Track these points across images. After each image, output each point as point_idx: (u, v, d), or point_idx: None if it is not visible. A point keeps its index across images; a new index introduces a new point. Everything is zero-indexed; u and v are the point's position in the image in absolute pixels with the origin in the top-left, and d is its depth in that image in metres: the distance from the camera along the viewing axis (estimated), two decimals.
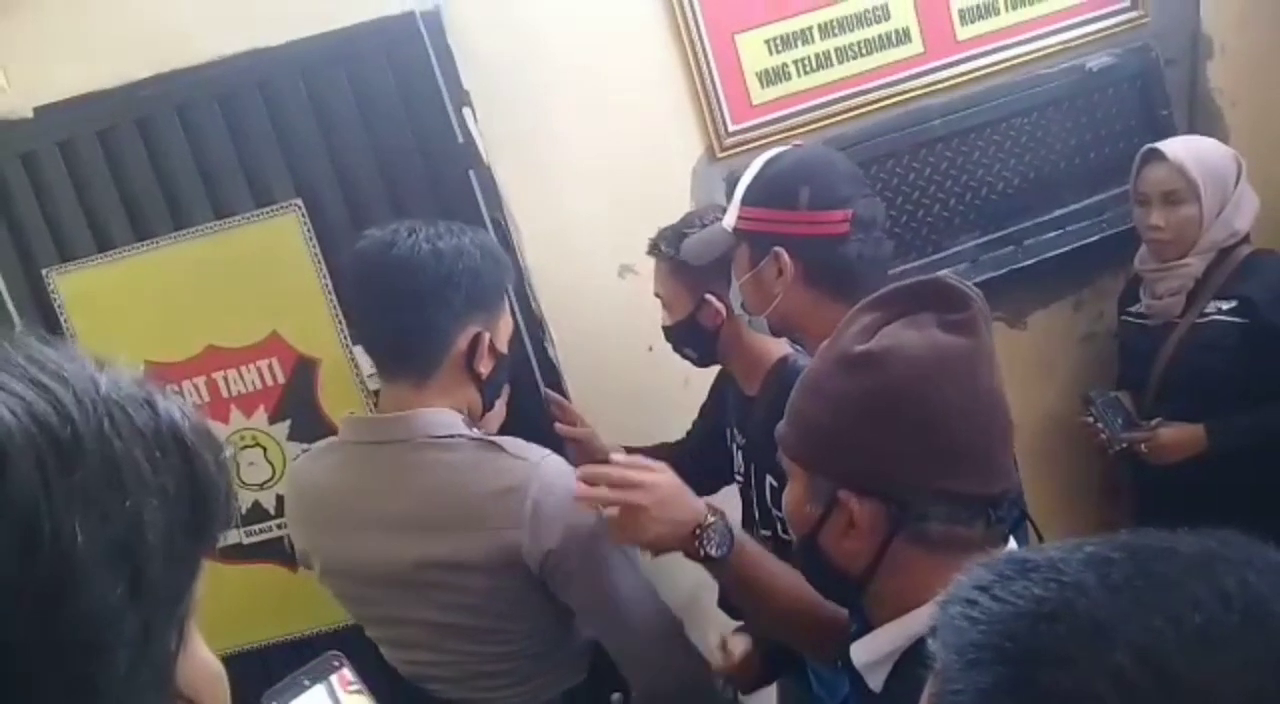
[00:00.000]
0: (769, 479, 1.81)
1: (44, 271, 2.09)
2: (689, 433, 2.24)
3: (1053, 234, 2.67)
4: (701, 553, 1.38)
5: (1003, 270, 2.63)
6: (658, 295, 1.97)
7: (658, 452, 2.06)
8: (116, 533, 0.51)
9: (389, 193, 2.02)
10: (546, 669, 1.59)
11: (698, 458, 2.05)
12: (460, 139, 1.97)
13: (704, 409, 2.20)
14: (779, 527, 1.79)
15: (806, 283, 1.55)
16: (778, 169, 1.58)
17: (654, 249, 1.94)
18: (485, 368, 1.55)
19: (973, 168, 2.62)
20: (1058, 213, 2.68)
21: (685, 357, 1.98)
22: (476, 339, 1.52)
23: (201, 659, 0.62)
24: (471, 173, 2.00)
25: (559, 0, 2.35)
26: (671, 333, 1.96)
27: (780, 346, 1.86)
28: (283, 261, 2.03)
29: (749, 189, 1.60)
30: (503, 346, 1.59)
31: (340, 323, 2.04)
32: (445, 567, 1.46)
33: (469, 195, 1.98)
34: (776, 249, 1.55)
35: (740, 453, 1.96)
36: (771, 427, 1.76)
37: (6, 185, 2.10)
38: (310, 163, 2.02)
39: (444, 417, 1.51)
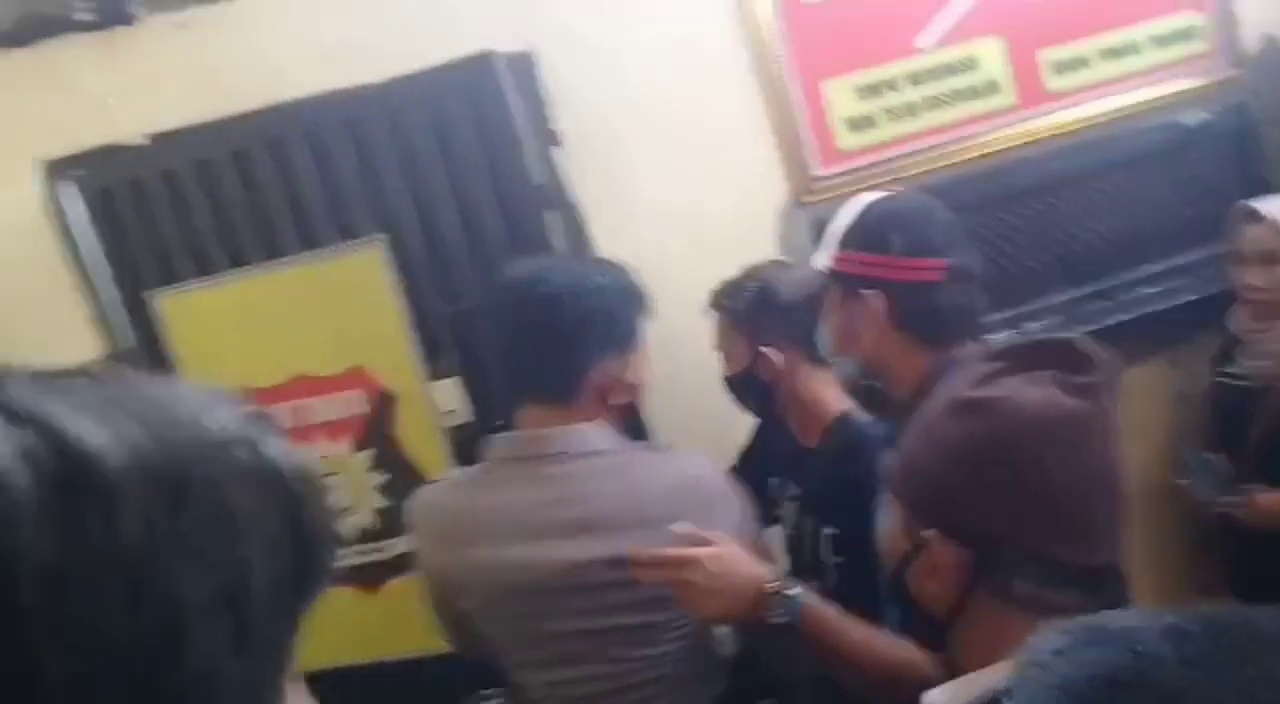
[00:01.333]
0: (825, 530, 1.78)
1: (148, 294, 2.18)
2: None
3: (1148, 291, 2.61)
4: (768, 623, 1.36)
5: (1095, 326, 2.57)
6: (717, 348, 1.99)
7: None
8: (222, 584, 0.49)
9: (467, 231, 2.07)
10: (692, 676, 1.58)
11: None
12: (536, 180, 2.00)
13: (742, 457, 2.20)
14: (832, 574, 1.76)
15: (895, 328, 1.55)
16: (873, 213, 1.59)
17: (714, 303, 1.97)
18: (619, 400, 1.60)
19: (1064, 221, 2.58)
20: (1152, 269, 2.62)
21: (744, 407, 2.01)
22: (611, 375, 1.56)
23: None
24: (546, 214, 2.03)
25: (650, 44, 2.39)
26: (730, 384, 1.99)
27: (840, 401, 1.86)
28: (366, 295, 2.08)
29: (844, 232, 1.60)
30: (637, 379, 1.62)
31: (419, 359, 2.07)
32: (618, 564, 1.45)
33: (545, 236, 2.00)
34: (865, 292, 1.55)
35: (794, 504, 1.94)
36: (833, 479, 1.75)
37: (116, 209, 2.20)
38: (393, 199, 2.08)
39: (598, 431, 1.56)
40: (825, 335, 1.76)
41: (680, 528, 1.41)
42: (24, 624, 0.42)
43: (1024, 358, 1.07)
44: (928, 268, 1.53)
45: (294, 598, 0.54)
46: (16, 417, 0.44)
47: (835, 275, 1.62)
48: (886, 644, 1.40)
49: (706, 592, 1.36)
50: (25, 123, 2.22)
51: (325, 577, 0.56)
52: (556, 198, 2.39)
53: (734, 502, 1.56)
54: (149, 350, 2.23)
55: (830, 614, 1.39)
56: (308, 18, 2.27)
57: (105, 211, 2.22)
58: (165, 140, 2.24)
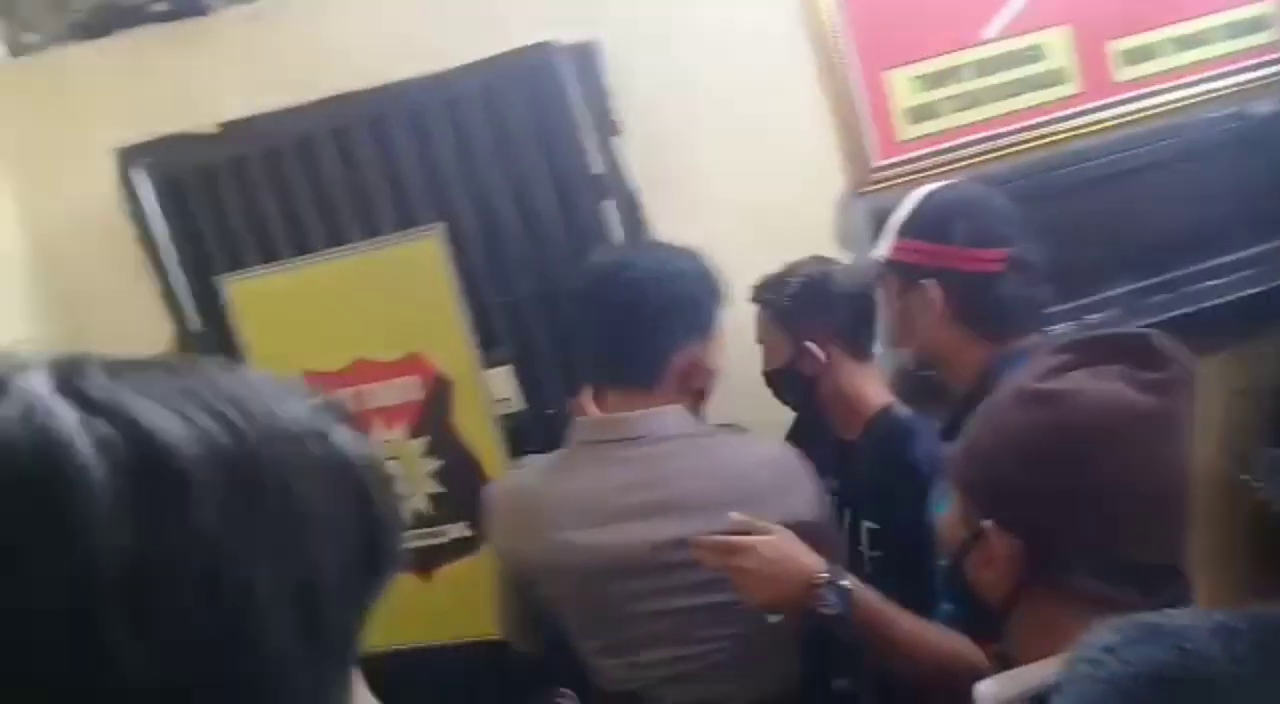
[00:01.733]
0: (866, 523, 1.79)
1: (218, 278, 2.23)
2: None
3: (1212, 283, 2.56)
4: (818, 614, 1.39)
5: (1158, 318, 2.53)
6: (760, 341, 1.98)
7: None
8: (294, 576, 0.49)
9: (523, 220, 2.07)
10: (768, 656, 1.60)
11: None
12: (593, 170, 2.01)
13: None
14: (869, 568, 1.76)
15: (954, 318, 1.55)
16: (935, 203, 1.59)
17: (756, 297, 1.95)
18: (698, 385, 1.63)
19: (1128, 212, 2.54)
20: (1217, 261, 2.57)
21: (784, 402, 1.99)
22: (691, 359, 1.59)
23: None
24: (604, 204, 2.03)
25: (712, 34, 2.38)
26: (771, 378, 1.97)
27: (881, 395, 1.86)
28: (424, 283, 2.10)
29: (905, 221, 1.60)
30: (715, 364, 1.65)
31: (474, 347, 2.10)
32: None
33: (602, 226, 2.01)
34: (925, 281, 1.55)
35: (833, 498, 1.94)
36: (874, 473, 1.74)
37: (186, 196, 2.25)
38: (452, 188, 2.09)
39: (679, 414, 1.59)
40: (882, 326, 1.77)
41: (736, 517, 1.44)
42: (102, 616, 0.42)
43: (1095, 351, 1.06)
44: (988, 258, 1.52)
45: (362, 589, 0.54)
46: (93, 406, 0.45)
47: (894, 264, 1.61)
48: (938, 635, 1.42)
49: (759, 578, 1.40)
50: (102, 110, 2.28)
51: (393, 568, 0.56)
52: (616, 187, 2.40)
53: (810, 485, 1.59)
54: (216, 334, 2.28)
55: (882, 605, 1.42)
56: (375, 8, 2.30)
57: (175, 198, 2.27)
58: (234, 129, 2.29)
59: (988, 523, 1.05)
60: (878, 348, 1.87)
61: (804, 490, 1.58)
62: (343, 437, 0.54)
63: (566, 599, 1.61)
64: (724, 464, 1.56)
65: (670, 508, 1.52)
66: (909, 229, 1.59)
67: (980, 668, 1.35)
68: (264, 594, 0.47)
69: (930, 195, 1.61)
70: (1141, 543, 1.01)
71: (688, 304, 1.58)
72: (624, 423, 1.58)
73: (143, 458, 0.44)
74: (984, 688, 1.10)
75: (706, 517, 1.47)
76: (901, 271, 1.60)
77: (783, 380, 1.94)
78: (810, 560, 1.41)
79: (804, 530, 1.49)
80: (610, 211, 2.05)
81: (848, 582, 1.40)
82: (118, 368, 0.48)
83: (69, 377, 0.46)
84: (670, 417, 1.57)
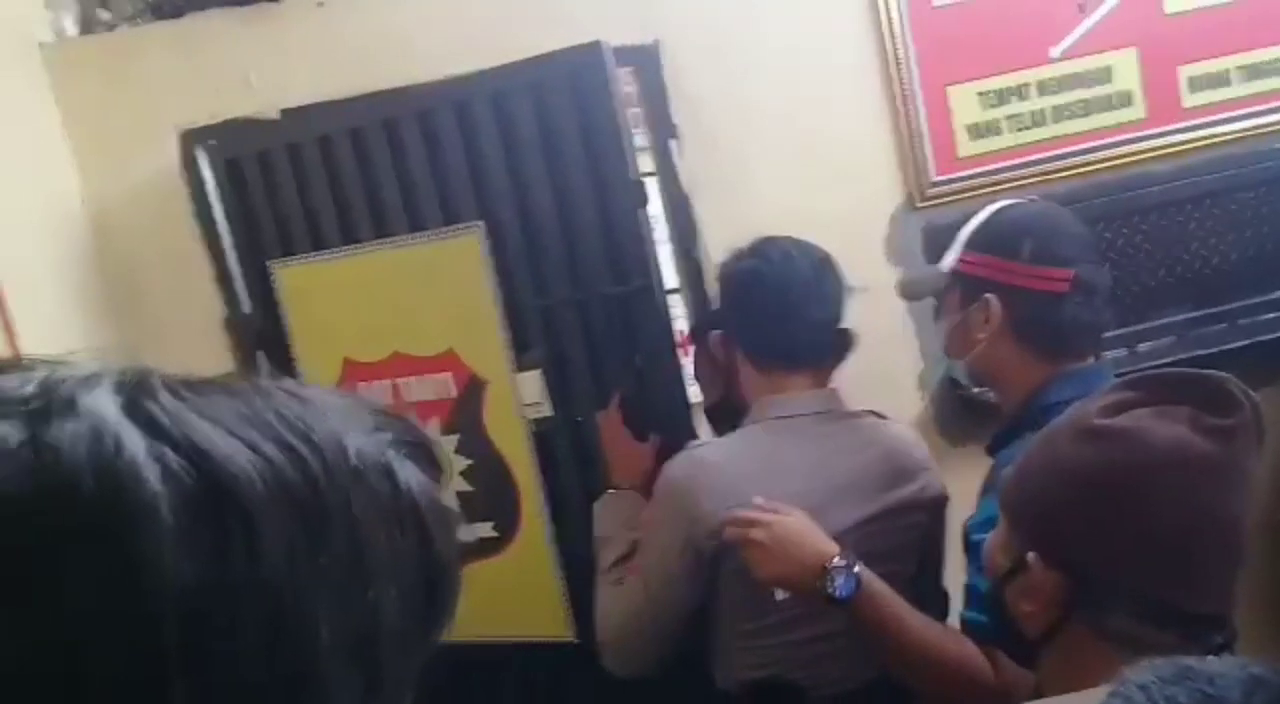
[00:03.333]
0: None
1: (269, 264, 2.24)
2: None
3: (1270, 316, 2.52)
4: (824, 594, 1.43)
5: (1212, 349, 2.50)
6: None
7: None
8: (357, 626, 0.46)
9: (562, 223, 2.04)
10: None
11: None
12: (634, 176, 1.99)
13: None
14: None
15: (1013, 336, 1.54)
16: (1006, 218, 1.58)
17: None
18: (841, 366, 1.76)
19: (1188, 239, 2.51)
20: (1275, 295, 2.53)
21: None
22: (846, 333, 1.74)
23: None
24: (642, 212, 1.99)
25: (774, 39, 2.38)
26: (709, 415, 1.95)
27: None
28: (462, 280, 2.08)
29: (974, 233, 1.60)
30: None
31: (507, 348, 2.08)
32: (905, 507, 1.65)
33: (640, 234, 1.98)
34: (988, 296, 1.54)
35: None
36: None
37: (244, 180, 2.27)
38: (493, 187, 2.07)
39: (841, 394, 1.73)
40: (939, 336, 1.75)
41: (759, 501, 1.51)
42: (158, 656, 0.40)
43: (1163, 390, 1.03)
44: (1054, 278, 1.51)
45: (421, 638, 0.52)
46: (160, 432, 0.43)
47: (959, 276, 1.61)
48: (942, 635, 1.47)
49: (769, 553, 1.46)
50: (169, 91, 2.29)
51: (451, 616, 0.54)
52: (670, 190, 2.40)
53: (934, 466, 1.72)
54: (266, 318, 2.30)
55: (891, 600, 1.46)
56: (442, 2, 2.31)
57: (233, 182, 2.28)
58: (292, 115, 2.30)
59: (1031, 555, 1.03)
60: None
61: (937, 471, 1.72)
62: (408, 471, 0.52)
63: (744, 572, 1.58)
64: (887, 442, 1.69)
65: (852, 483, 1.62)
66: (977, 242, 1.58)
67: (981, 679, 1.39)
68: (325, 641, 0.44)
69: (1002, 210, 1.60)
70: (1188, 590, 0.98)
71: (846, 289, 1.73)
72: (814, 399, 1.69)
73: (210, 492, 0.42)
74: None
75: (879, 491, 1.62)
76: (965, 283, 1.59)
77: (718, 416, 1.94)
78: (826, 545, 1.46)
79: (940, 505, 1.69)
80: (652, 216, 2.01)
81: (859, 569, 1.44)
82: (182, 388, 0.46)
83: (136, 397, 0.44)
84: (839, 395, 1.72)
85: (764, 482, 1.57)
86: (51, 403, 0.42)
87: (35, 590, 0.39)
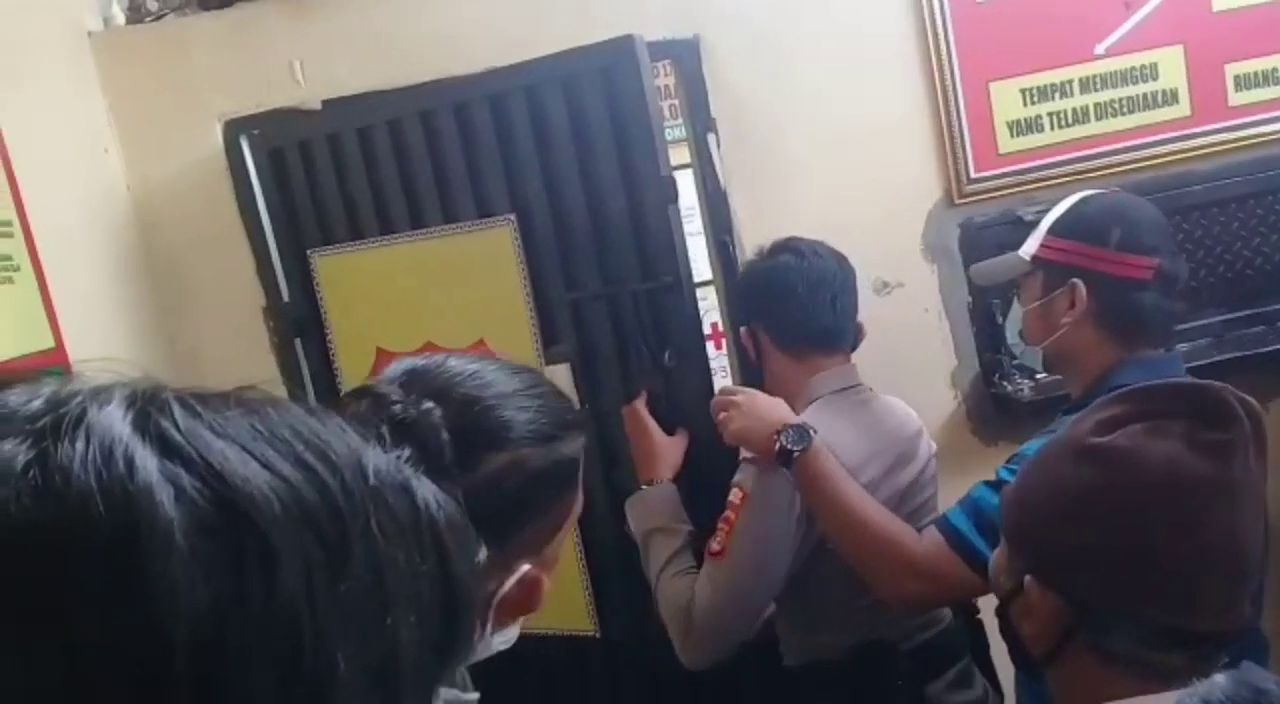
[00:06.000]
0: None
1: (308, 252, 2.27)
2: None
3: None
4: (777, 446, 1.60)
5: (1249, 351, 2.46)
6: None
7: None
8: (375, 656, 0.44)
9: (592, 217, 2.04)
10: None
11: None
12: (664, 172, 1.98)
13: None
14: None
15: (1095, 321, 1.58)
16: (1093, 206, 1.62)
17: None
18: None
19: (1230, 239, 2.47)
20: None
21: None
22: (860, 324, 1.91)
23: None
24: (672, 208, 1.98)
25: (816, 34, 2.37)
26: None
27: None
28: (494, 272, 2.09)
29: (1058, 220, 1.63)
30: None
31: (538, 340, 2.09)
32: (927, 464, 1.87)
33: (668, 230, 1.98)
34: (1074, 281, 1.57)
35: None
36: None
37: (286, 169, 2.30)
38: (526, 180, 2.06)
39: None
40: (1017, 323, 1.84)
41: (724, 386, 1.85)
42: (170, 688, 0.38)
43: (1156, 402, 1.00)
44: (1140, 265, 1.55)
45: (438, 668, 0.50)
46: (174, 451, 0.41)
47: (1042, 263, 1.64)
48: (880, 512, 1.59)
49: (740, 413, 1.68)
50: (214, 81, 2.32)
51: (469, 640, 0.52)
52: (707, 182, 2.40)
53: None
54: (304, 306, 2.33)
55: (836, 468, 1.61)
56: None
57: (275, 171, 2.31)
58: (333, 106, 2.32)
59: (1028, 578, 1.01)
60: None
61: (929, 442, 1.92)
62: (426, 489, 0.50)
63: None
64: (899, 409, 1.88)
65: (901, 445, 1.81)
66: (1063, 229, 1.61)
67: (914, 558, 1.51)
68: (342, 670, 0.42)
69: (1088, 199, 1.64)
70: (1190, 612, 0.95)
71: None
72: (852, 373, 1.87)
73: (225, 514, 0.40)
74: None
75: (915, 453, 1.83)
76: (1050, 270, 1.63)
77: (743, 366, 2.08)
78: (788, 414, 1.67)
79: (932, 465, 1.88)
80: (675, 215, 2.00)
81: (813, 433, 1.62)
82: (196, 402, 0.44)
83: (148, 413, 0.42)
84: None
85: (852, 444, 1.72)
86: (61, 420, 0.41)
87: (43, 619, 0.37)
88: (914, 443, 1.85)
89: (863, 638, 1.76)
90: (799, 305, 1.82)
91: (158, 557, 0.38)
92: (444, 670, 0.51)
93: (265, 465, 0.42)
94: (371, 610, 0.44)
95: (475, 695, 0.98)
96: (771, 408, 1.69)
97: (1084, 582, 0.98)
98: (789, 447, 1.60)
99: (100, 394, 0.42)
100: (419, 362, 0.94)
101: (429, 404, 0.85)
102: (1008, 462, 1.54)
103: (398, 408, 0.83)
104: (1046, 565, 1.01)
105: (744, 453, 1.73)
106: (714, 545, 1.68)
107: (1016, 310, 1.81)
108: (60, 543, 0.38)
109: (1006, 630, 1.09)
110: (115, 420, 0.41)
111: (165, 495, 0.39)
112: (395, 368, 0.93)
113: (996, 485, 1.47)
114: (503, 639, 0.94)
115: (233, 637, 0.39)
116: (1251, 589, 1.00)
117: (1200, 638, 0.96)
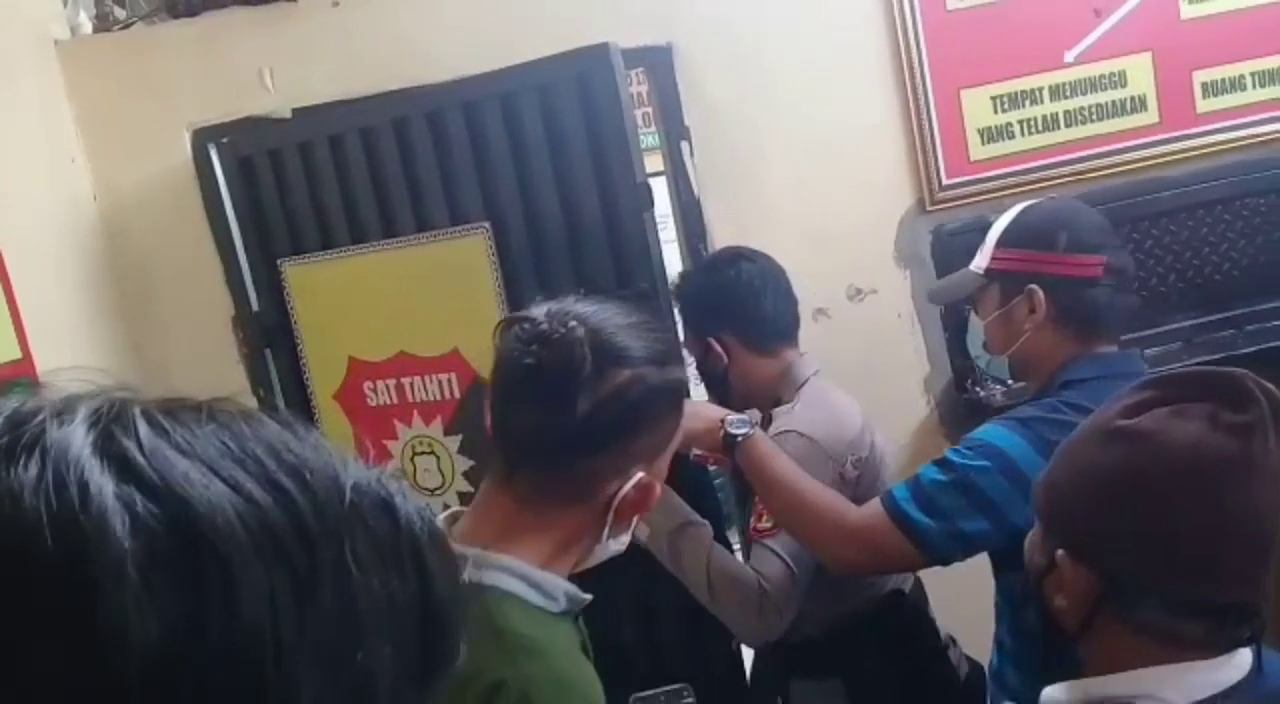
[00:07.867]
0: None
1: (279, 261, 2.25)
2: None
3: (1278, 322, 2.51)
4: (723, 434, 1.66)
5: (1219, 355, 2.49)
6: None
7: None
8: (345, 690, 0.42)
9: (567, 224, 2.03)
10: None
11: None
12: (640, 179, 1.98)
13: None
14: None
15: (1054, 323, 1.61)
16: (1035, 215, 1.67)
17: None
18: None
19: (1198, 245, 2.50)
20: None
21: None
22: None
23: None
24: (647, 215, 1.98)
25: (788, 43, 2.37)
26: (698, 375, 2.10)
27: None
28: (468, 281, 2.07)
29: (1005, 232, 1.67)
30: None
31: None
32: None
33: (643, 236, 1.98)
34: (1031, 287, 1.61)
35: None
36: None
37: (255, 178, 2.28)
38: (500, 187, 2.06)
39: None
40: (979, 336, 1.88)
41: None
42: None
43: (1181, 388, 1.06)
44: (1090, 264, 1.60)
45: (415, 697, 0.47)
46: (133, 473, 0.39)
47: (996, 274, 1.68)
48: (819, 486, 1.65)
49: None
50: (183, 89, 2.30)
51: (449, 672, 0.49)
52: (681, 190, 2.40)
53: None
54: (274, 315, 2.31)
55: (775, 446, 1.69)
56: (457, 4, 2.31)
57: (244, 179, 2.29)
58: (303, 115, 2.31)
59: (1060, 553, 1.07)
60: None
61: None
62: (409, 505, 0.47)
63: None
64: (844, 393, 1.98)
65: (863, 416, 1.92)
66: (1012, 239, 1.66)
67: (854, 526, 1.58)
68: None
69: (1028, 209, 1.69)
70: (1215, 582, 1.02)
71: None
72: (813, 360, 1.95)
73: (183, 541, 0.38)
74: (1050, 693, 1.13)
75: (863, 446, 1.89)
76: (1006, 280, 1.67)
77: (703, 376, 2.05)
78: (717, 409, 1.75)
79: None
80: (651, 222, 2.00)
81: (755, 420, 1.72)
82: (163, 418, 0.42)
83: (111, 433, 0.40)
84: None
85: (855, 413, 1.89)
86: (17, 441, 0.39)
87: None
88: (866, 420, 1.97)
89: (881, 590, 1.89)
90: (770, 306, 1.93)
91: (107, 590, 0.36)
92: (425, 697, 0.48)
93: (232, 487, 0.40)
94: (342, 641, 0.42)
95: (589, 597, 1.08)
96: (706, 406, 1.79)
97: (1113, 557, 1.04)
98: (734, 433, 1.67)
99: (64, 412, 0.41)
100: (552, 302, 1.09)
101: (574, 323, 1.02)
102: (960, 445, 1.60)
103: (546, 326, 1.02)
104: (1077, 543, 1.07)
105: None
106: (761, 525, 1.76)
107: (976, 323, 1.86)
108: (6, 576, 0.36)
109: (1038, 606, 1.14)
110: (75, 441, 0.39)
111: (119, 523, 0.37)
112: (533, 308, 1.09)
113: (943, 464, 1.55)
114: (617, 543, 1.10)
115: (189, 672, 0.37)
116: (1272, 563, 1.04)
117: (1224, 609, 1.02)
